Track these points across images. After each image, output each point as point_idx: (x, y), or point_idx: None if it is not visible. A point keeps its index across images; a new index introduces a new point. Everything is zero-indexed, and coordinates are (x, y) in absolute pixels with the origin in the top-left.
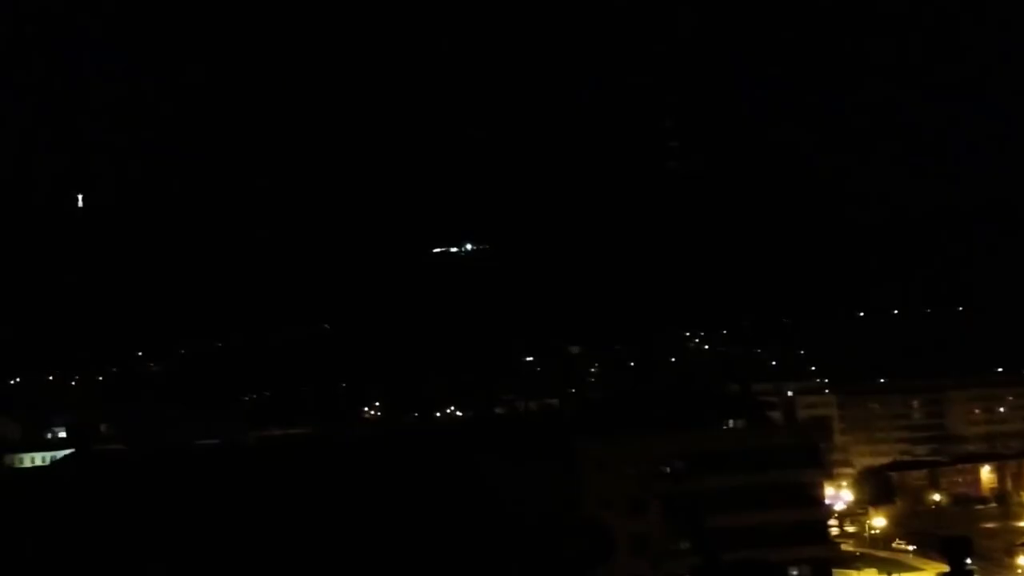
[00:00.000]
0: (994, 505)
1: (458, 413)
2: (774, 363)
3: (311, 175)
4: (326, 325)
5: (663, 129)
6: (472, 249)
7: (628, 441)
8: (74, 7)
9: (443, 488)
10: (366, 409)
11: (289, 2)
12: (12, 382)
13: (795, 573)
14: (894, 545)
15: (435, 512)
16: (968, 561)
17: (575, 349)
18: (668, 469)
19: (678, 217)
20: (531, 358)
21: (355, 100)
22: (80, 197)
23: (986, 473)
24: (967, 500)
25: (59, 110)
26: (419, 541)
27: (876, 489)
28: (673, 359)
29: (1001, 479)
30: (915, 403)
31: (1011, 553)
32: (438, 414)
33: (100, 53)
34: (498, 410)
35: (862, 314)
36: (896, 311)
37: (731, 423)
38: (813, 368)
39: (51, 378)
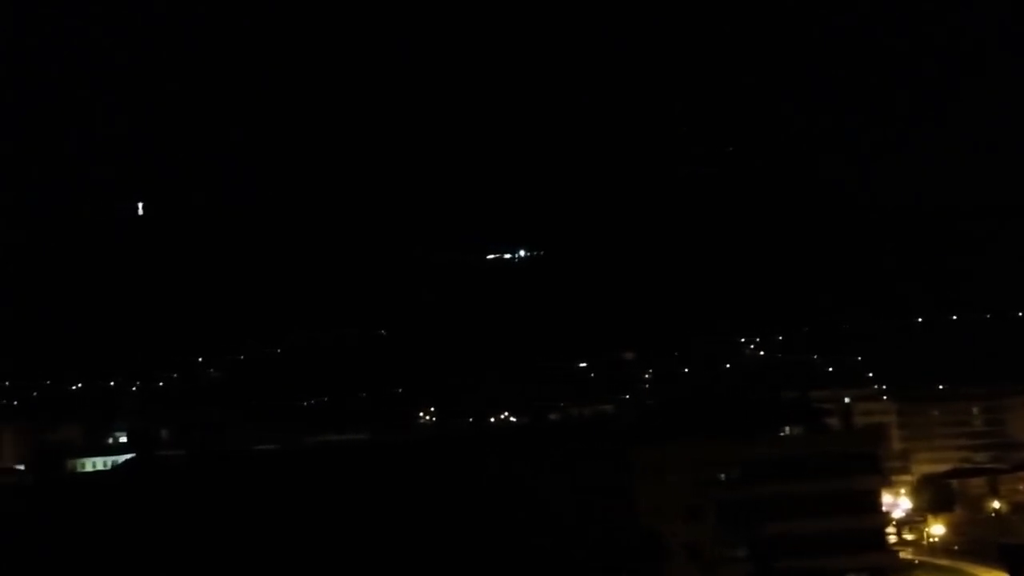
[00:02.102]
0: None
1: (512, 419)
2: (831, 369)
3: (367, 179)
4: (382, 331)
5: (707, 132)
6: (526, 255)
7: (683, 448)
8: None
9: (497, 494)
10: (421, 415)
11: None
12: (75, 388)
13: None
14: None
15: (489, 518)
16: None
17: (629, 355)
18: (723, 476)
19: (735, 222)
20: (585, 364)
21: (411, 104)
22: (140, 205)
23: None
24: None
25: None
26: (473, 546)
27: (935, 497)
28: (729, 365)
29: None
30: (975, 410)
31: None
32: (492, 420)
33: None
34: (552, 416)
35: (921, 320)
36: (956, 316)
37: (788, 430)
38: (871, 375)
39: (112, 384)
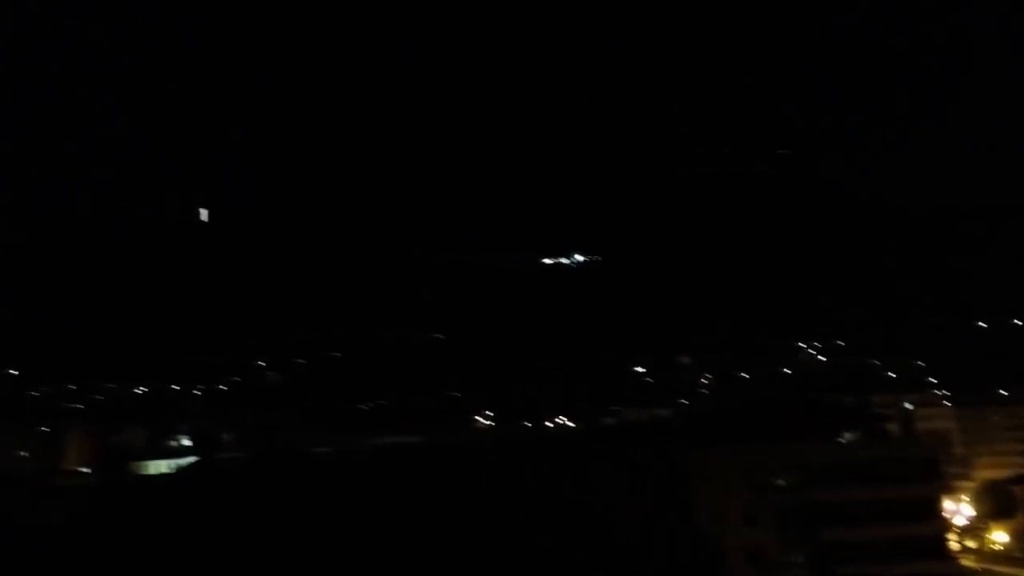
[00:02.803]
0: None
1: (568, 423)
2: (891, 374)
3: (424, 183)
4: (439, 335)
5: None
6: (582, 260)
7: (741, 452)
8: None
9: (554, 499)
10: (477, 418)
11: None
12: (139, 391)
13: None
14: None
15: (546, 522)
16: None
17: (685, 359)
18: (782, 481)
19: (792, 225)
20: (641, 368)
21: (467, 107)
22: (206, 212)
23: None
24: None
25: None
26: (531, 550)
27: (997, 503)
28: (787, 370)
29: None
30: None
31: None
32: (548, 424)
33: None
34: (608, 421)
35: (983, 324)
36: (1018, 320)
37: (847, 435)
38: (932, 379)
39: (176, 388)
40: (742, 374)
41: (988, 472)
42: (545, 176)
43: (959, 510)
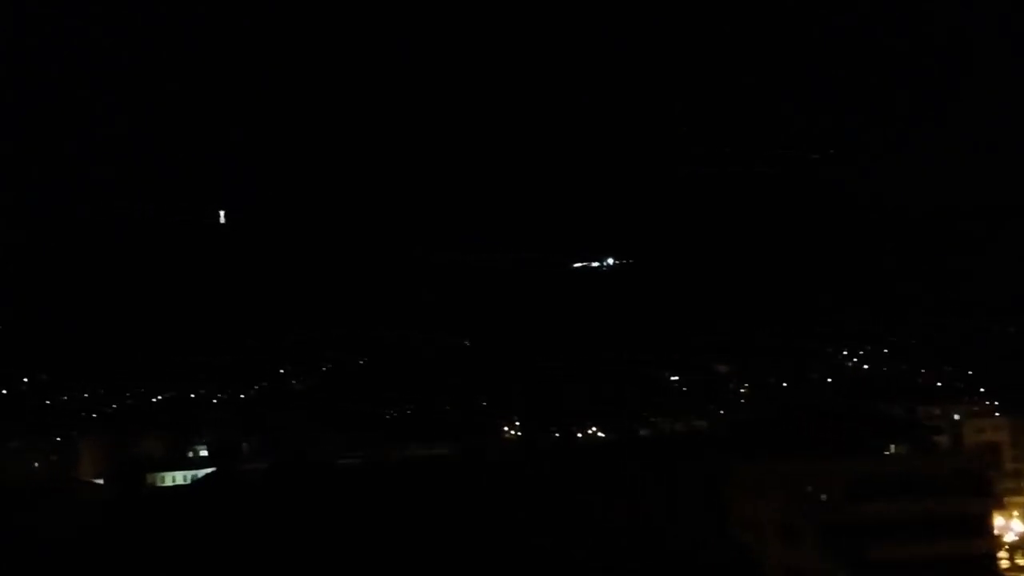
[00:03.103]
0: None
1: (600, 434)
2: (940, 384)
3: (448, 185)
4: (466, 341)
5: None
6: (614, 263)
7: (781, 465)
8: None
9: (588, 511)
10: (506, 428)
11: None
12: (156, 399)
13: None
14: None
15: (579, 535)
16: None
17: (723, 367)
18: (824, 496)
19: (836, 226)
20: (676, 377)
21: (500, 107)
22: (222, 214)
23: None
24: None
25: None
26: (563, 565)
27: None
28: (830, 379)
29: None
30: None
31: None
32: (579, 434)
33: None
34: (642, 431)
35: None
36: None
37: (893, 448)
38: (983, 390)
39: (193, 396)
40: (782, 382)
41: None
42: (570, 178)
43: (1010, 526)
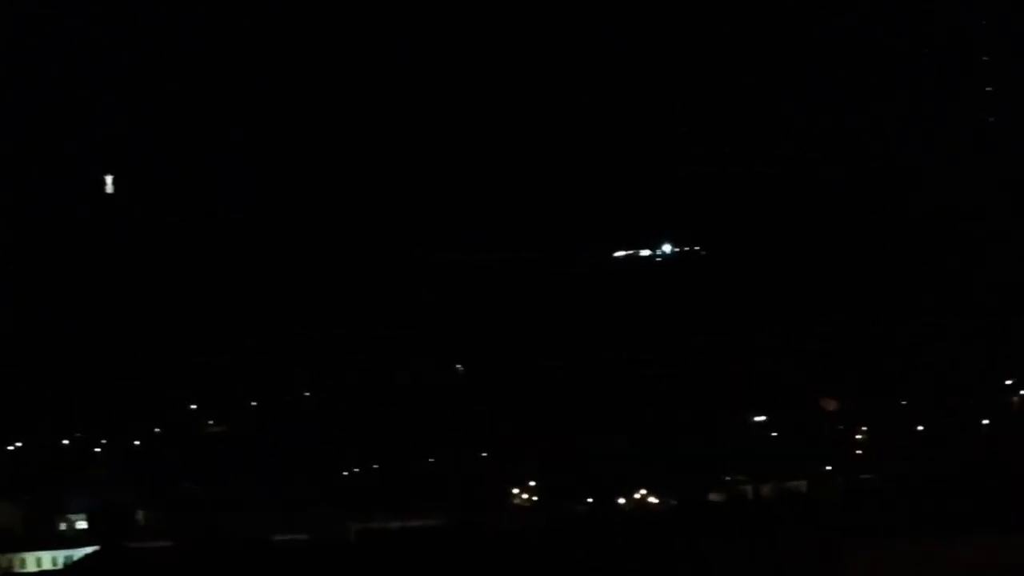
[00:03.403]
0: None
1: (652, 499)
2: None
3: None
4: (458, 365)
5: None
6: (673, 251)
7: (917, 547)
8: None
9: None
10: (516, 491)
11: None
12: (10, 447)
13: None
14: None
15: None
16: None
17: (831, 404)
18: None
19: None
20: (763, 417)
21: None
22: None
23: None
24: None
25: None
26: None
27: None
28: (986, 421)
29: None
30: None
31: None
32: (622, 500)
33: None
34: (714, 496)
35: None
36: None
37: None
38: None
39: (67, 442)
40: (918, 428)
41: None
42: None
43: None
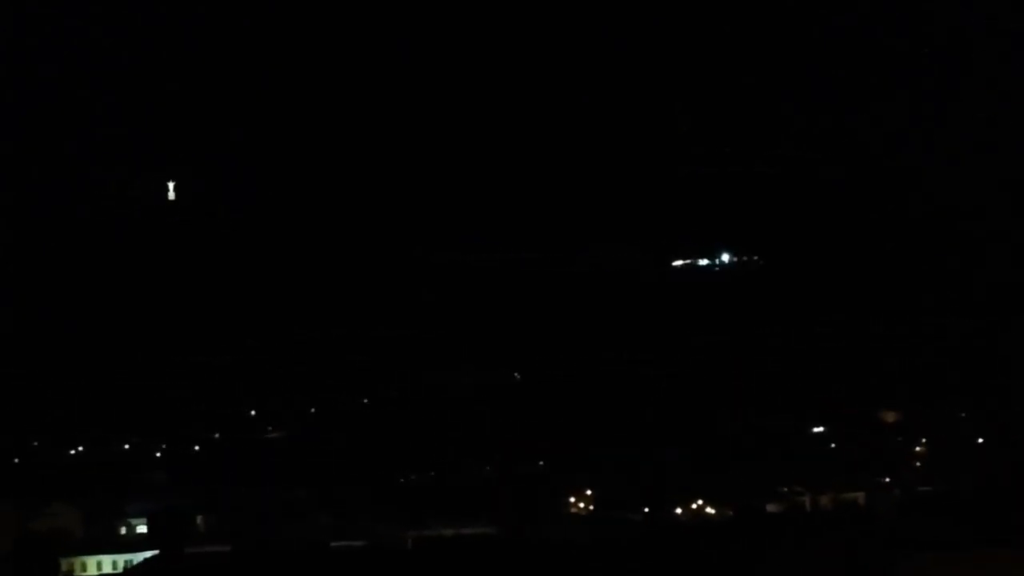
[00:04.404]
0: None
1: (709, 510)
2: None
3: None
4: (516, 373)
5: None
6: (731, 261)
7: (980, 561)
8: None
9: None
10: (572, 500)
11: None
12: (72, 452)
13: None
14: None
15: None
16: None
17: (890, 416)
18: None
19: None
20: (821, 428)
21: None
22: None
23: None
24: None
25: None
26: None
27: None
28: None
29: None
30: None
31: None
32: (679, 510)
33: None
34: (770, 506)
35: None
36: None
37: None
38: None
39: (128, 447)
40: (978, 440)
41: None
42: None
43: None
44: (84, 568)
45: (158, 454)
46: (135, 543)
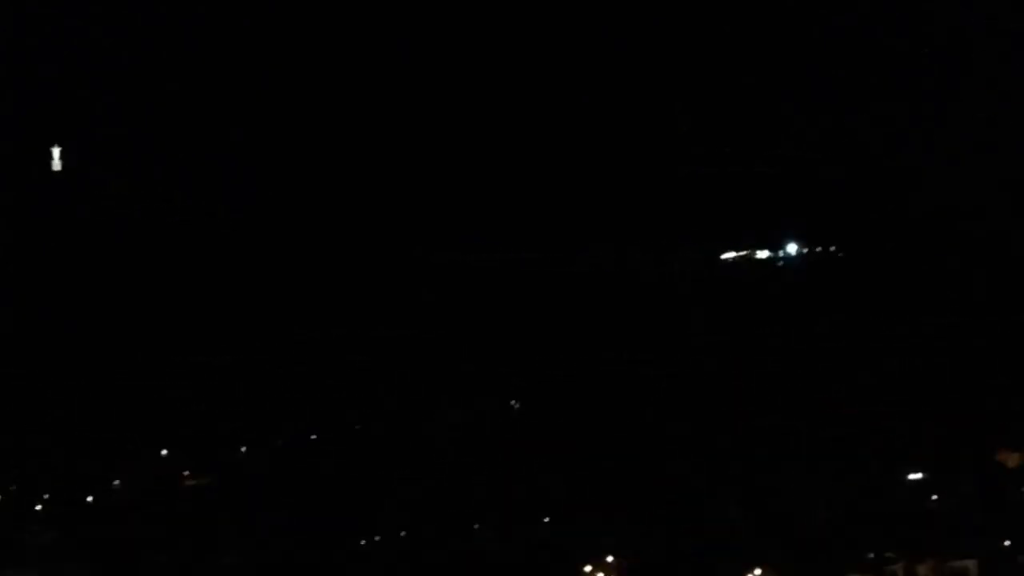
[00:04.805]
0: None
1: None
2: None
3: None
4: (513, 402)
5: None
6: (798, 253)
7: None
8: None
9: None
10: (589, 570)
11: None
12: None
13: None
14: None
15: None
16: None
17: (1012, 458)
18: None
19: None
20: (920, 474)
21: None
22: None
23: None
24: None
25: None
26: None
27: None
28: None
29: None
30: None
31: None
32: None
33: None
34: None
35: None
36: None
37: None
38: None
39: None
40: None
41: None
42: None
43: None
44: None
45: (37, 507)
46: None
